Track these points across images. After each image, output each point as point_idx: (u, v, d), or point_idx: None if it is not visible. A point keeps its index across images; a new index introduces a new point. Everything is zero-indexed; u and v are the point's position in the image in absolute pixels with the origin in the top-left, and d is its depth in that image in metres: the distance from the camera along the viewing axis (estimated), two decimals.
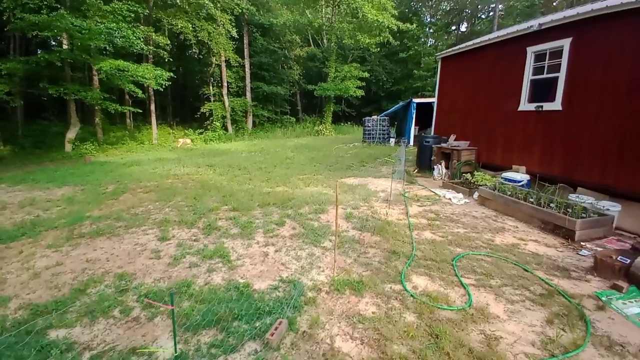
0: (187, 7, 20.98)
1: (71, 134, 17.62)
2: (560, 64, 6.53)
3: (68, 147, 17.31)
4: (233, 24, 23.18)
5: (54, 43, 21.63)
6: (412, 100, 17.61)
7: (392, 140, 18.25)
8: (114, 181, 8.46)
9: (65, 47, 16.49)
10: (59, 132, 19.44)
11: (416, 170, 10.10)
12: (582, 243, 4.72)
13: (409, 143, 16.67)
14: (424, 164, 9.97)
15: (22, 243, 4.61)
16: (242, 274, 3.66)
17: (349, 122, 31.14)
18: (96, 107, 18.38)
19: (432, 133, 11.19)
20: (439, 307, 3.06)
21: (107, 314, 3.01)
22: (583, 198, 5.59)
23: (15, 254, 4.28)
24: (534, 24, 7.23)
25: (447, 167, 9.03)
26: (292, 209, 5.86)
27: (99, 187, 7.84)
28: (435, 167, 9.32)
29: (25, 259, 4.12)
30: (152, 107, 21.58)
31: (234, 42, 24.54)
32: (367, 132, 18.42)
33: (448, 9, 35.66)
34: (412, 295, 3.24)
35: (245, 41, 26.25)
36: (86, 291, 3.39)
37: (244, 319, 2.80)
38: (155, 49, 20.31)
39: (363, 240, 4.64)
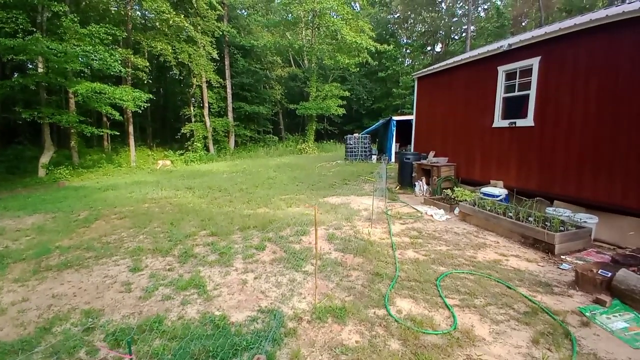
0: (166, 29, 21.04)
1: (45, 159, 17.04)
2: (530, 81, 6.78)
3: (42, 172, 16.70)
4: (214, 45, 23.35)
5: (30, 66, 21.19)
6: (391, 118, 17.95)
7: (374, 157, 18.44)
8: (87, 207, 8.11)
9: (40, 70, 16.15)
10: (33, 157, 18.76)
11: (398, 187, 10.16)
12: (562, 256, 4.76)
13: (390, 160, 16.86)
14: (405, 180, 10.04)
15: None
16: (219, 305, 3.47)
17: (331, 140, 31.40)
18: (72, 131, 17.90)
19: (412, 150, 11.34)
20: (424, 332, 2.96)
21: (72, 355, 2.79)
22: (560, 211, 5.69)
23: None
24: (503, 44, 7.52)
25: (427, 184, 9.12)
26: (273, 232, 5.71)
27: (71, 215, 7.48)
28: (416, 183, 9.39)
29: None
30: (131, 129, 21.18)
31: (215, 64, 24.66)
32: (349, 149, 18.57)
33: (423, 30, 37.11)
34: (396, 320, 3.14)
35: (227, 62, 26.41)
36: (51, 330, 3.16)
37: (219, 357, 2.62)
38: (133, 71, 20.14)
39: (345, 262, 4.54)
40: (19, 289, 3.98)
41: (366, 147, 18.63)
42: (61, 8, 14.95)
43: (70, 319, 3.31)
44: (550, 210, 5.83)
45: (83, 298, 3.71)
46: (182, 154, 23.91)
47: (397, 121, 17.63)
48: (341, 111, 26.85)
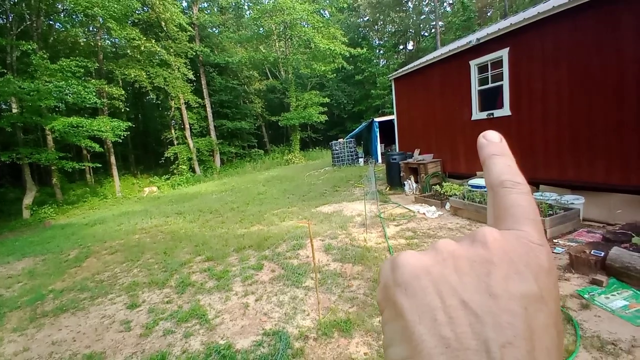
0: (139, 56, 20.91)
1: (28, 200, 16.63)
2: (502, 72, 6.96)
3: (26, 213, 16.29)
4: (189, 66, 23.30)
5: (4, 106, 20.78)
6: (373, 120, 18.14)
7: (361, 160, 18.55)
8: (77, 245, 7.93)
9: (15, 110, 15.84)
10: (16, 198, 18.32)
11: (388, 188, 10.22)
12: (554, 240, 4.85)
13: (377, 161, 16.98)
14: (394, 180, 10.12)
15: None
16: (222, 333, 3.42)
17: (317, 147, 31.52)
18: (52, 168, 17.54)
19: (397, 150, 11.46)
20: None
21: None
22: (546, 195, 5.81)
23: None
24: (472, 39, 7.72)
25: (416, 181, 9.21)
26: (269, 249, 5.68)
27: (61, 255, 7.31)
28: (405, 182, 9.47)
29: None
30: (112, 159, 20.88)
31: (191, 84, 24.58)
32: (335, 155, 18.64)
33: (393, 30, 37.83)
34: None
35: (203, 82, 26.35)
36: None
37: None
38: (109, 101, 19.91)
39: (345, 272, 4.53)
40: (19, 339, 3.91)
41: (352, 151, 18.74)
42: (29, 46, 14.74)
43: None
44: (537, 195, 5.95)
45: (83, 342, 3.61)
46: (168, 179, 23.63)
47: (379, 122, 17.82)
48: (323, 118, 27.00)
